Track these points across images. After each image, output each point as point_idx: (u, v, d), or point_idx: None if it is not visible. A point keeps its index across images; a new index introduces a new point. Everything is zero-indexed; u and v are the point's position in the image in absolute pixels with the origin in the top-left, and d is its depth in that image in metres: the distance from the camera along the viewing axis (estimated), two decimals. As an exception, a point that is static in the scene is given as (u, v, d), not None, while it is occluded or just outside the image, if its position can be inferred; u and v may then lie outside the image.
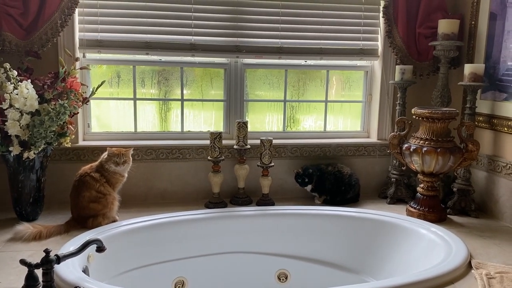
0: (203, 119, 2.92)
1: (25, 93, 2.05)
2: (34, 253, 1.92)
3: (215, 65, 2.83)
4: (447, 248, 2.00)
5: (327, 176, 2.71)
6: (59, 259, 1.57)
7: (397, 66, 2.73)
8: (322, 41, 2.82)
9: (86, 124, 2.70)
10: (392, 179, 2.80)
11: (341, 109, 3.08)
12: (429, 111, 2.39)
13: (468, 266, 1.87)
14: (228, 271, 2.43)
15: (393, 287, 1.65)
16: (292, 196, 2.80)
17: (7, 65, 2.12)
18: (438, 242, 2.09)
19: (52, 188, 2.46)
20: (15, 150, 2.11)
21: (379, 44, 2.90)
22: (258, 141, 2.63)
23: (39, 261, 1.54)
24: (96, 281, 1.69)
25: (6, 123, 2.08)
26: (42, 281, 1.55)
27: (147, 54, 2.65)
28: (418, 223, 2.33)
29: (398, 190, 2.77)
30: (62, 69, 2.29)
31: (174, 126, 2.87)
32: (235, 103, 2.85)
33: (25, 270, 1.68)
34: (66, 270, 1.68)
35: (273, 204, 2.65)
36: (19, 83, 2.09)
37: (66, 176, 2.45)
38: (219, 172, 2.63)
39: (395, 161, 2.79)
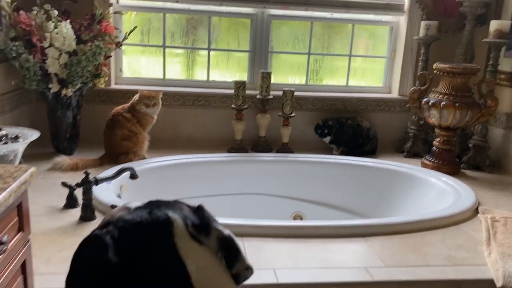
0: (228, 70, 3.01)
1: (65, 32, 2.18)
2: (72, 181, 2.10)
3: (242, 15, 2.89)
4: (456, 195, 2.10)
5: (346, 128, 2.80)
6: (97, 181, 1.74)
7: (422, 22, 2.74)
8: (348, -6, 2.85)
9: (118, 69, 2.84)
10: (410, 134, 2.87)
11: (364, 64, 3.12)
12: (450, 65, 2.42)
13: (475, 211, 1.97)
14: (246, 211, 2.58)
15: (401, 223, 1.77)
16: (310, 147, 2.91)
17: (48, 6, 2.25)
18: (448, 190, 2.19)
19: (86, 127, 2.62)
20: (54, 87, 2.27)
21: (406, -1, 2.90)
22: (281, 93, 2.72)
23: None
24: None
25: (46, 61, 2.23)
26: (82, 199, 1.73)
27: (176, 1, 2.74)
28: (430, 174, 2.42)
29: (415, 145, 2.85)
30: (98, 11, 2.40)
31: (200, 75, 2.98)
32: (260, 54, 2.93)
33: (65, 192, 1.87)
34: (102, 194, 1.86)
35: (292, 153, 2.77)
36: (59, 23, 2.21)
37: (99, 116, 2.61)
38: (242, 120, 2.75)
39: (414, 117, 2.85)
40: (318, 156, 2.71)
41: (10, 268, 1.05)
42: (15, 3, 2.23)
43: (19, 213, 1.11)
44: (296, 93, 2.75)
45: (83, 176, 1.77)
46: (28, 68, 2.21)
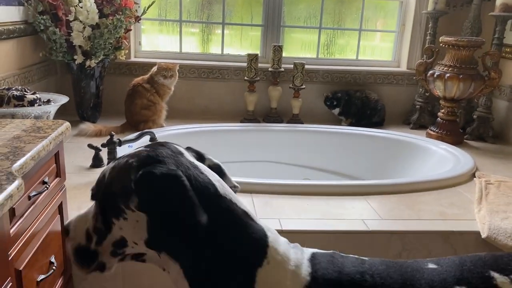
0: (241, 44, 3.14)
1: (88, 6, 2.34)
2: (97, 144, 2.29)
3: (255, -9, 3.00)
4: (455, 161, 2.21)
5: (354, 100, 2.91)
6: (120, 142, 1.92)
7: (431, -4, 2.81)
8: (359, -31, 2.92)
9: (137, 43, 2.99)
10: (417, 106, 2.97)
11: (374, 40, 3.21)
12: (455, 38, 2.51)
13: (472, 176, 2.09)
14: (256, 177, 2.74)
15: (400, 184, 1.91)
16: (320, 119, 3.03)
17: (72, -18, 2.40)
18: (448, 157, 2.30)
19: (108, 97, 2.79)
20: (78, 58, 2.44)
21: (416, -27, 2.96)
22: (292, 66, 2.84)
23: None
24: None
25: (71, 34, 2.39)
26: (107, 159, 1.91)
27: (192, -22, 2.85)
28: (433, 143, 2.54)
29: (422, 117, 2.95)
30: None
31: (215, 49, 3.12)
32: (272, 28, 3.04)
33: (91, 154, 2.05)
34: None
35: (302, 123, 2.91)
36: (83, -2, 2.37)
37: (119, 88, 2.77)
38: (254, 91, 2.88)
39: (421, 89, 2.94)
40: (327, 127, 2.84)
41: (50, 206, 1.23)
42: (42, -21, 2.39)
43: (56, 161, 1.28)
44: (306, 66, 2.86)
45: (108, 139, 1.94)
46: (55, 40, 2.38)
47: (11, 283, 0.93)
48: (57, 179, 1.29)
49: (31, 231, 1.09)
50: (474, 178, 2.06)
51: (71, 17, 2.36)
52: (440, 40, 2.61)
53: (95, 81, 2.62)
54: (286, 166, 2.74)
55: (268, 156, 2.73)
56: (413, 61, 3.05)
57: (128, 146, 2.11)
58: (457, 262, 0.87)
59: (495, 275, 0.83)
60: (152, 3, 2.67)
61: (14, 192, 0.85)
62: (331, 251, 0.88)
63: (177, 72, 2.63)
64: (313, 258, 0.84)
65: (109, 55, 2.57)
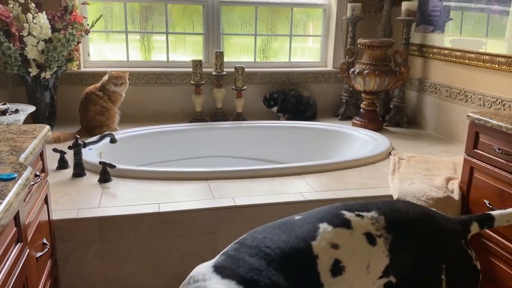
0: (185, 51, 3.41)
1: (42, 22, 2.51)
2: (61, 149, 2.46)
3: (195, 2, 3.29)
4: (376, 144, 2.64)
5: (289, 98, 3.29)
6: (85, 144, 2.13)
7: (349, 4, 3.25)
8: (286, -18, 3.31)
9: (86, 53, 3.17)
10: (343, 100, 3.40)
11: (306, 40, 3.61)
12: (370, 40, 2.95)
13: (388, 154, 2.53)
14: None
15: (330, 164, 2.29)
16: (261, 116, 3.38)
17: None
18: (369, 140, 2.73)
19: (62, 106, 2.95)
20: (33, 71, 2.59)
21: (335, -15, 3.40)
22: (233, 69, 3.16)
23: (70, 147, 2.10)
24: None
25: (25, 49, 2.55)
26: (74, 159, 2.12)
27: (136, -8, 3.09)
28: (357, 130, 2.97)
29: (348, 109, 3.39)
30: (70, 3, 2.72)
31: (160, 57, 3.36)
32: (212, 36, 3.34)
33: (55, 158, 2.24)
34: (88, 156, 2.24)
35: (245, 120, 3.24)
36: (36, 14, 2.53)
37: (72, 96, 2.95)
38: (200, 94, 3.17)
39: (346, 85, 3.38)
40: (267, 122, 3.19)
41: (40, 196, 1.46)
42: (-7, -2, 2.53)
43: (42, 158, 1.51)
44: (246, 69, 3.20)
45: (69, 144, 2.15)
46: (10, 55, 2.53)
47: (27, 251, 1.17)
48: (43, 174, 1.51)
49: (30, 215, 1.31)
50: (390, 156, 2.49)
51: (24, 33, 2.51)
52: (358, 42, 3.05)
53: (50, 91, 2.78)
54: (234, 159, 3.05)
55: (217, 151, 3.03)
56: (337, 61, 3.48)
57: (89, 149, 2.33)
58: (317, 211, 1.29)
59: (345, 212, 1.26)
60: (100, 17, 2.88)
61: (29, 176, 1.09)
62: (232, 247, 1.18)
63: (127, 80, 2.86)
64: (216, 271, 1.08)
65: (62, 67, 2.74)
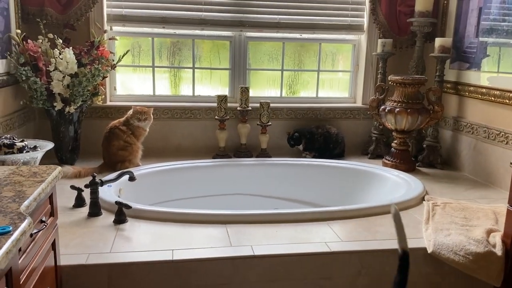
0: (211, 85, 3.38)
1: (68, 57, 2.52)
2: (79, 185, 2.42)
3: (222, 38, 3.27)
4: (408, 186, 2.47)
5: (316, 137, 3.17)
6: (102, 182, 2.07)
7: (379, 40, 3.15)
8: (314, 17, 3.25)
9: (112, 87, 3.18)
10: (373, 138, 3.26)
11: (332, 78, 3.52)
12: (402, 77, 2.83)
13: (422, 199, 2.35)
14: (230, 209, 2.93)
15: (357, 209, 2.14)
16: (286, 151, 3.27)
17: (51, 35, 2.59)
18: (400, 182, 2.57)
19: (85, 140, 2.95)
20: (58, 105, 2.60)
21: (365, 20, 3.32)
22: (258, 104, 3.09)
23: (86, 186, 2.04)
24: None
25: (51, 83, 2.56)
26: (90, 198, 2.06)
27: (163, 27, 3.10)
28: (388, 171, 2.81)
29: (378, 147, 3.24)
30: (96, 38, 2.75)
31: (186, 90, 3.34)
32: (238, 71, 3.30)
33: (73, 195, 2.19)
34: (106, 194, 2.18)
35: (270, 157, 3.14)
36: (63, 49, 2.55)
37: (96, 130, 2.93)
38: (224, 129, 3.10)
39: (375, 123, 3.24)
40: (292, 159, 3.07)
41: (46, 243, 1.38)
42: (24, 34, 2.57)
43: (51, 202, 1.44)
44: (272, 105, 3.12)
45: (89, 180, 2.09)
46: (36, 89, 2.54)
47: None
48: (51, 219, 1.44)
49: (31, 265, 1.23)
50: (423, 201, 2.31)
51: (51, 68, 2.53)
52: (389, 79, 2.92)
53: (74, 126, 2.78)
54: (256, 198, 2.94)
55: (240, 189, 2.92)
56: (367, 97, 3.36)
57: (108, 186, 2.27)
58: None
59: None
60: (127, 52, 2.89)
61: (26, 228, 1.01)
62: None
63: (151, 115, 2.82)
64: None
65: (87, 101, 2.74)
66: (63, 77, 2.56)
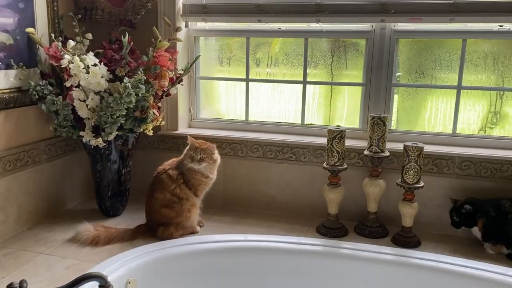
0: (331, 110, 2.15)
1: (94, 68, 1.69)
2: (76, 264, 1.58)
3: (352, 34, 2.01)
4: None
5: (510, 217, 1.65)
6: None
7: None
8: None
9: (187, 109, 2.26)
10: None
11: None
12: None
13: None
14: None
15: None
16: (450, 234, 1.83)
17: (89, 35, 1.83)
18: None
19: (144, 180, 2.07)
20: (86, 135, 1.80)
21: None
22: (401, 149, 1.74)
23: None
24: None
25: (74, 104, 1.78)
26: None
27: (259, 20, 2.03)
28: None
29: None
30: (158, 40, 1.87)
31: (294, 117, 2.19)
32: (377, 88, 1.99)
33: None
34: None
35: (417, 245, 1.75)
36: (83, 55, 1.74)
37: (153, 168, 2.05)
38: (338, 185, 1.86)
39: None
40: (467, 262, 1.61)
41: None
42: (61, 30, 1.87)
43: None
44: (435, 148, 1.74)
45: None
46: (57, 111, 1.80)
47: None
48: None
49: None
50: None
51: (68, 82, 1.74)
52: None
53: (115, 164, 1.95)
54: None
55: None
56: None
57: None
58: None
59: None
60: (197, 58, 1.98)
61: None
62: None
63: (213, 156, 1.80)
64: None
65: (134, 130, 1.88)
66: (85, 95, 1.75)
